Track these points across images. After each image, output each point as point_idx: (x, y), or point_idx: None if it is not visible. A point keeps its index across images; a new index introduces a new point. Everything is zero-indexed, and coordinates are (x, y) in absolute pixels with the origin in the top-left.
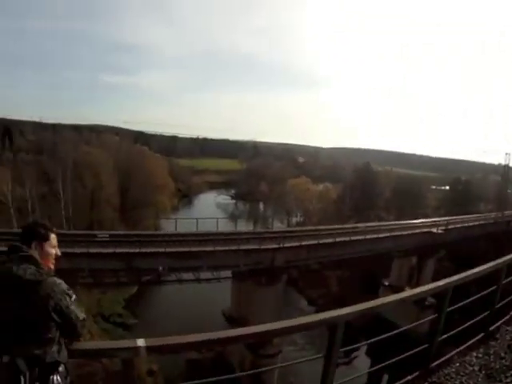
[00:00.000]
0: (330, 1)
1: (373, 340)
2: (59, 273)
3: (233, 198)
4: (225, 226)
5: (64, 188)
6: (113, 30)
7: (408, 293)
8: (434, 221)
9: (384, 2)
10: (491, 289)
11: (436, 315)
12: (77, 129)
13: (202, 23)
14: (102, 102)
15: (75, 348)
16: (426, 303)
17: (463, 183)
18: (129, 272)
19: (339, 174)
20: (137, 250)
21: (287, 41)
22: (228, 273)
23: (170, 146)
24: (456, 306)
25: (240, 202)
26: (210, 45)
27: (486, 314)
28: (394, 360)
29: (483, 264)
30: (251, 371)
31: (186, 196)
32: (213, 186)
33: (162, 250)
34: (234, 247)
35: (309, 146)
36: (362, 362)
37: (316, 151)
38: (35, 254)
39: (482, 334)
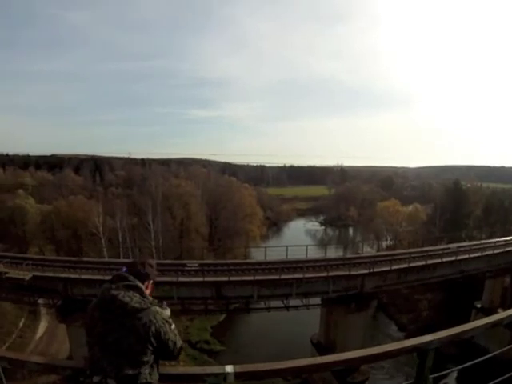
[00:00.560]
0: (405, 19)
1: (463, 366)
2: None
3: (322, 224)
4: (314, 253)
5: (154, 219)
6: (198, 68)
7: (499, 315)
8: None
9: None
10: None
11: None
12: (165, 162)
13: (279, 50)
14: (188, 136)
15: (166, 372)
16: None
17: None
18: (217, 300)
19: (428, 194)
20: (225, 279)
21: (364, 62)
22: (317, 299)
23: (257, 175)
24: None
25: (329, 228)
26: (289, 72)
27: None
28: None
29: None
30: None
31: (275, 224)
32: (301, 213)
33: (250, 278)
34: (323, 274)
35: (396, 167)
36: None
37: (404, 172)
38: (140, 284)
39: None
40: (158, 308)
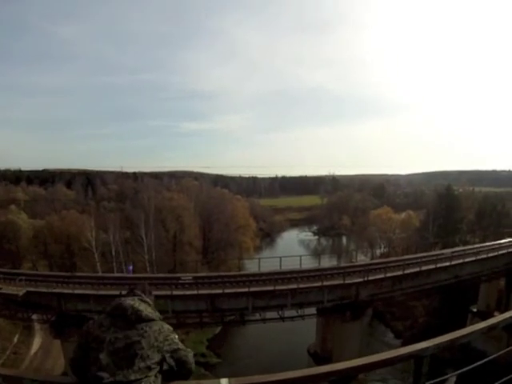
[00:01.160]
0: (396, 27)
1: (460, 371)
2: None
3: (315, 233)
4: (308, 263)
5: (147, 232)
6: (188, 80)
7: (495, 319)
8: None
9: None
10: None
11: None
12: (157, 176)
13: (268, 61)
14: (180, 149)
15: None
16: None
17: None
18: (212, 312)
19: (420, 200)
20: (220, 291)
21: (352, 70)
22: (312, 309)
23: (249, 186)
24: None
25: (322, 238)
26: (279, 83)
27: None
28: None
29: None
30: None
31: (268, 235)
32: (295, 224)
33: (245, 289)
34: (317, 284)
35: (387, 175)
36: None
37: (395, 179)
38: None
39: None
40: (164, 322)
